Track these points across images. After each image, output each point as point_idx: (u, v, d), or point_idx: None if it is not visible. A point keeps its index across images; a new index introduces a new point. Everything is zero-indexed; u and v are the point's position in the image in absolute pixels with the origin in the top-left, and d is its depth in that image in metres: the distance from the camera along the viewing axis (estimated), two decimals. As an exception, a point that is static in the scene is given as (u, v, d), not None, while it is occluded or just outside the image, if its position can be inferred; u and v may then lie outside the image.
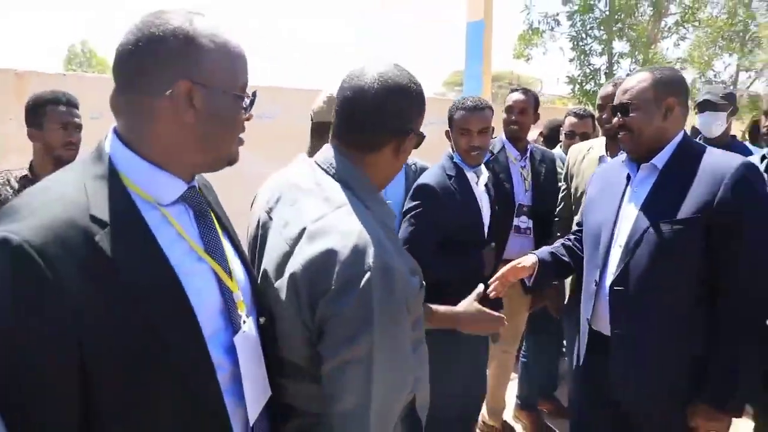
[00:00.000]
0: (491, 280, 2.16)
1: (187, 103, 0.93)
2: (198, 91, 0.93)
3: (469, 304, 1.78)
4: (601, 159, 2.77)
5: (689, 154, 1.77)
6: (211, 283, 0.99)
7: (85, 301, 0.80)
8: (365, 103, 1.17)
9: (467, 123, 2.37)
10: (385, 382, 1.07)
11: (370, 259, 1.03)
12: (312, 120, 2.02)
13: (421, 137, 1.26)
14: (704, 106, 3.36)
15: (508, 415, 3.50)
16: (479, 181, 2.47)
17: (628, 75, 2.79)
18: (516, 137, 3.13)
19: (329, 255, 1.03)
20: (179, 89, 0.92)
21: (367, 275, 1.02)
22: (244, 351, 1.02)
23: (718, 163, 1.69)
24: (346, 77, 1.22)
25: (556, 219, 3.04)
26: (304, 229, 1.08)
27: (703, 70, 13.34)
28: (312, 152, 1.82)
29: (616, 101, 1.88)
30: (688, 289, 1.69)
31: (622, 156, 1.97)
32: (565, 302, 2.86)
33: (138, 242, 0.88)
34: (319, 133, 1.87)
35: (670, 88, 1.80)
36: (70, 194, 0.86)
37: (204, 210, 1.04)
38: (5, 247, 0.75)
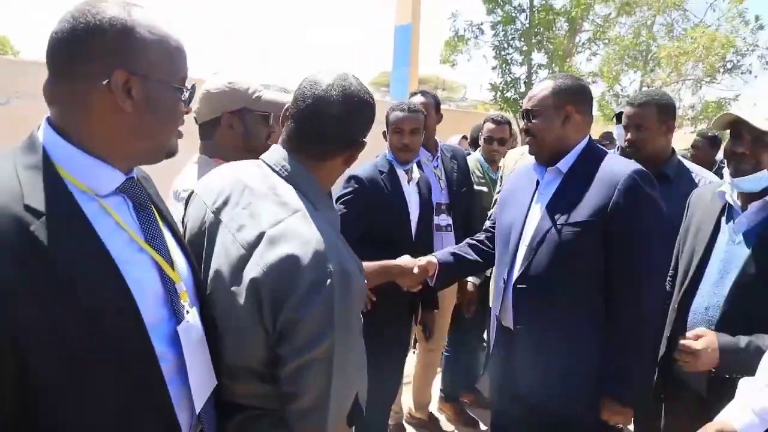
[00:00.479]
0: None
1: (125, 93, 0.91)
2: (136, 81, 0.91)
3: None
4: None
5: (592, 159, 1.84)
6: (152, 274, 0.97)
7: (20, 291, 0.77)
8: (329, 116, 1.18)
9: (401, 123, 2.55)
10: (341, 377, 1.10)
11: (330, 264, 1.06)
12: (197, 122, 1.91)
13: (365, 144, 1.29)
14: (619, 118, 3.62)
15: (433, 407, 3.61)
16: (410, 180, 2.58)
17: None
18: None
19: (291, 260, 1.05)
20: (116, 79, 0.90)
21: (329, 280, 1.05)
22: (188, 341, 1.00)
23: (613, 169, 1.76)
24: (306, 85, 1.22)
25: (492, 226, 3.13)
26: (263, 233, 1.09)
27: (611, 85, 14.34)
28: (205, 151, 1.78)
29: (523, 107, 1.96)
30: (587, 289, 1.74)
31: (530, 163, 2.04)
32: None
33: (76, 232, 0.85)
34: (204, 133, 1.82)
35: (568, 96, 1.86)
36: (3, 183, 0.83)
37: (144, 201, 1.02)
38: None
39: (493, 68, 12.01)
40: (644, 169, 1.77)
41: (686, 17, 15.14)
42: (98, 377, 0.85)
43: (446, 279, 2.30)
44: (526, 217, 1.92)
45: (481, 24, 12.15)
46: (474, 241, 2.34)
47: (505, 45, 11.83)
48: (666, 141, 2.36)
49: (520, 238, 1.91)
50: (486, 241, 2.30)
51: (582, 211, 1.73)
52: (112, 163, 0.94)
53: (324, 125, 1.19)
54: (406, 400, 3.52)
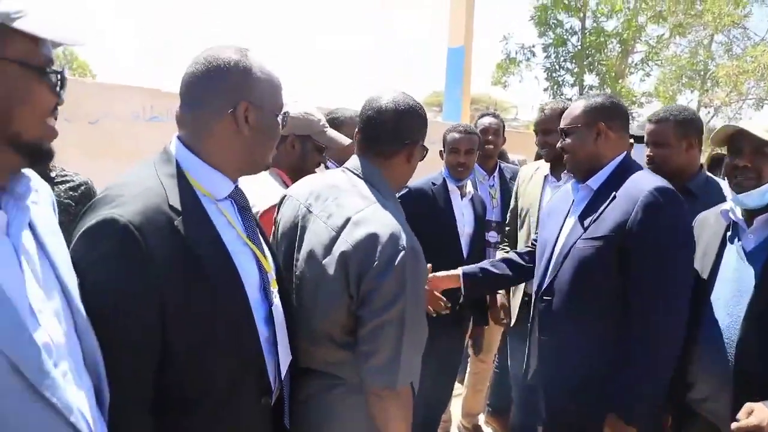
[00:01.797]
0: None
1: (244, 120, 1.13)
2: (252, 110, 1.13)
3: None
4: (545, 179, 2.91)
5: (623, 176, 1.82)
6: (252, 264, 1.18)
7: (167, 267, 0.99)
8: (383, 120, 1.44)
9: (458, 144, 2.74)
10: (410, 341, 1.30)
11: (403, 241, 1.29)
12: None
13: (426, 150, 1.53)
14: (636, 139, 3.55)
15: (481, 420, 3.66)
16: (463, 195, 2.78)
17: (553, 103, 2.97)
18: (487, 156, 3.38)
19: (373, 238, 1.27)
20: (240, 109, 1.12)
21: (402, 253, 1.27)
22: (278, 320, 1.22)
23: (636, 185, 1.73)
24: (366, 103, 1.49)
25: (504, 239, 3.16)
26: (349, 218, 1.32)
27: (668, 105, 13.90)
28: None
29: (559, 126, 1.98)
30: (607, 303, 1.72)
31: (572, 181, 2.06)
32: (513, 320, 2.95)
33: (202, 227, 1.08)
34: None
35: (600, 114, 1.86)
36: (154, 188, 1.05)
37: (246, 205, 1.24)
38: (115, 225, 0.95)
39: (545, 89, 11.99)
40: (668, 186, 1.72)
41: (746, 35, 14.57)
42: (214, 342, 1.06)
43: (474, 290, 2.34)
44: (559, 232, 1.94)
45: (533, 46, 12.18)
46: (510, 256, 2.38)
47: (557, 67, 11.80)
48: (689, 157, 2.29)
49: (552, 252, 1.93)
50: (525, 255, 2.32)
51: (603, 227, 1.73)
52: (226, 174, 1.16)
53: (380, 128, 1.45)
54: (456, 411, 3.59)
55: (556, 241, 1.94)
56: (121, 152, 3.70)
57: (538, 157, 4.67)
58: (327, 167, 2.34)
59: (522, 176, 3.07)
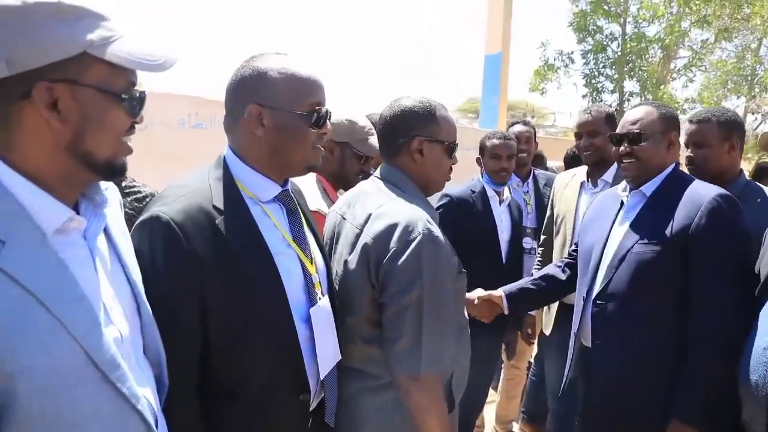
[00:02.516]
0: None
1: (258, 121, 1.17)
2: (266, 112, 1.17)
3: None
4: (582, 185, 2.89)
5: (676, 183, 1.84)
6: (296, 265, 1.23)
7: (207, 263, 1.05)
8: (383, 125, 1.55)
9: (499, 149, 2.83)
10: (432, 326, 1.33)
11: (419, 228, 1.34)
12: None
13: (447, 144, 1.54)
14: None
15: (515, 427, 3.63)
16: (501, 201, 2.83)
17: (594, 107, 2.86)
18: (520, 164, 3.38)
19: (390, 227, 1.33)
20: (250, 111, 1.16)
21: (418, 238, 1.32)
22: (318, 320, 1.24)
23: (698, 192, 1.75)
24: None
25: (540, 246, 3.12)
26: (370, 214, 1.39)
27: (712, 111, 13.39)
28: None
29: (623, 130, 1.93)
30: (665, 308, 1.72)
31: (617, 188, 2.05)
32: (548, 331, 2.91)
33: (244, 227, 1.14)
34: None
35: (672, 123, 1.91)
36: (201, 189, 1.12)
37: (294, 208, 1.28)
38: (159, 221, 1.03)
39: (583, 96, 11.78)
40: (728, 193, 1.74)
41: (797, 39, 13.92)
42: (251, 338, 1.11)
43: (519, 307, 2.32)
44: (607, 238, 1.93)
45: (572, 53, 11.98)
46: (549, 271, 2.33)
47: (596, 73, 11.57)
48: (731, 159, 2.23)
49: (600, 258, 1.91)
50: (566, 268, 2.29)
51: (664, 231, 1.73)
52: (269, 177, 1.21)
53: (383, 133, 1.56)
54: (489, 417, 3.58)
55: (604, 247, 1.92)
56: (166, 157, 3.89)
57: (570, 162, 4.61)
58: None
59: (558, 184, 3.06)
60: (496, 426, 3.59)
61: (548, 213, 3.08)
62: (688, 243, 1.68)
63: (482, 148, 2.90)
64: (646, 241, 1.76)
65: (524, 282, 2.33)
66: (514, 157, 2.88)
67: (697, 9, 10.95)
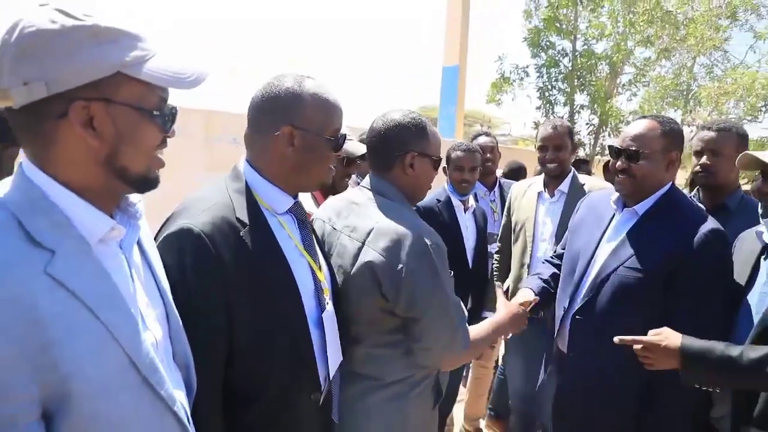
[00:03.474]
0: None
1: (290, 141, 1.21)
2: (298, 133, 1.21)
3: (508, 307, 1.88)
4: (539, 195, 2.98)
5: (672, 205, 1.76)
6: (307, 273, 1.29)
7: (233, 273, 1.09)
8: (376, 138, 1.60)
9: (462, 161, 2.92)
10: (457, 317, 1.51)
11: (427, 240, 1.45)
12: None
13: (434, 159, 1.63)
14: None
15: (483, 424, 3.74)
16: (466, 209, 2.91)
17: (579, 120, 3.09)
18: (486, 173, 3.52)
19: (399, 243, 1.41)
20: (285, 131, 1.21)
21: (429, 250, 1.43)
22: (328, 325, 1.31)
23: (689, 222, 1.68)
24: (370, 126, 1.66)
25: (497, 253, 3.27)
26: (372, 229, 1.45)
27: (651, 123, 14.09)
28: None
29: (623, 144, 1.80)
30: (642, 326, 1.67)
31: (612, 192, 1.96)
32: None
33: (265, 238, 1.19)
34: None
35: (676, 141, 1.78)
36: (224, 202, 1.16)
37: (304, 219, 1.34)
38: (190, 233, 1.07)
39: (537, 108, 12.16)
40: (720, 227, 1.69)
41: (727, 58, 14.86)
42: (272, 343, 1.16)
43: (542, 308, 2.20)
44: (594, 251, 1.87)
45: (527, 67, 12.36)
46: (553, 271, 2.25)
47: (549, 86, 11.97)
48: (736, 171, 2.18)
49: (585, 271, 1.86)
50: (558, 269, 2.23)
51: (650, 258, 1.67)
52: (285, 190, 1.26)
53: (375, 145, 1.61)
54: (458, 415, 3.68)
55: (591, 260, 1.86)
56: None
57: (510, 175, 4.77)
58: (357, 181, 2.47)
59: (514, 192, 3.17)
60: (464, 424, 3.69)
61: (504, 221, 3.19)
62: (675, 273, 1.64)
63: (447, 159, 3.00)
64: (631, 265, 1.70)
65: (543, 282, 2.21)
66: (477, 168, 2.99)
67: (641, 30, 11.54)
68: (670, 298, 1.65)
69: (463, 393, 3.67)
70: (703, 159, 2.19)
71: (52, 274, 0.74)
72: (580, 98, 12.16)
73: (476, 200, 3.34)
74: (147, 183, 0.90)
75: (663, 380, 1.65)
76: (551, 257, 2.39)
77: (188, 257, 1.06)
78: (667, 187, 1.80)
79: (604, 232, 1.89)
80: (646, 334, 1.64)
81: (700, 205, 2.19)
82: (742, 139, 2.19)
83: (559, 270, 2.20)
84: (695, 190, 2.38)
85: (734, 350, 1.44)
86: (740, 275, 1.73)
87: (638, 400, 1.72)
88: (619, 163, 1.81)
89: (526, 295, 2.07)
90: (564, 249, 2.18)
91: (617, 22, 11.75)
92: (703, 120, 14.57)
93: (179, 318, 1.01)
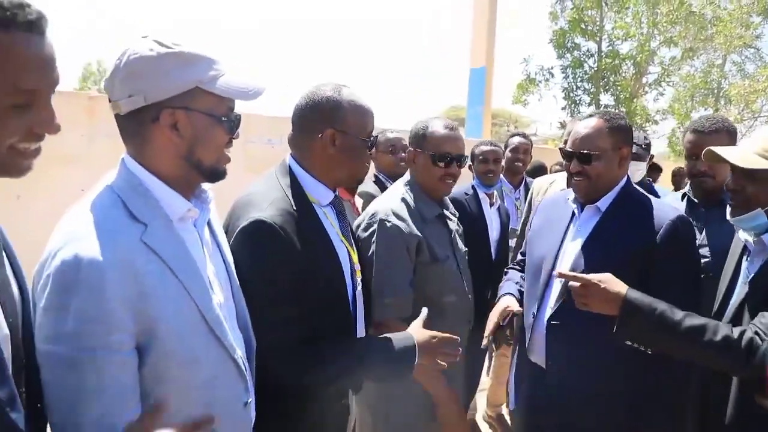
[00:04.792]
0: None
1: (332, 142, 1.39)
2: (338, 135, 1.39)
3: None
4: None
5: (631, 199, 1.74)
6: (346, 257, 1.46)
7: (299, 254, 1.26)
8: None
9: (488, 154, 3.13)
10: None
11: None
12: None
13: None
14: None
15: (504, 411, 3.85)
16: (492, 204, 3.06)
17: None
18: (515, 172, 3.64)
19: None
20: (327, 134, 1.38)
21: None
22: (359, 303, 1.49)
23: (656, 212, 1.66)
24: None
25: (516, 247, 3.25)
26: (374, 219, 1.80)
27: (682, 121, 13.90)
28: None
29: (573, 148, 1.75)
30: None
31: (567, 193, 1.88)
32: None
33: (317, 226, 1.37)
34: None
35: (624, 137, 1.73)
36: (281, 196, 1.33)
37: (343, 211, 1.52)
38: (266, 224, 1.23)
39: (563, 108, 12.15)
40: (685, 215, 1.69)
41: (759, 56, 14.48)
42: (326, 309, 1.33)
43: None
44: (558, 251, 1.77)
45: (552, 68, 12.37)
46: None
47: (574, 87, 11.97)
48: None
49: (551, 272, 1.74)
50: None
51: (621, 251, 1.63)
52: (326, 185, 1.43)
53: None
54: (481, 402, 3.79)
55: (555, 261, 1.76)
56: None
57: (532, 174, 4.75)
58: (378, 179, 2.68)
59: (536, 188, 3.15)
60: (487, 410, 3.80)
61: (525, 217, 3.15)
62: (645, 264, 1.60)
63: (472, 156, 3.18)
64: (601, 259, 1.62)
65: (516, 288, 2.02)
66: (501, 161, 3.16)
67: (665, 30, 11.41)
68: (645, 290, 1.52)
69: (485, 382, 3.78)
70: (701, 165, 2.02)
71: (146, 241, 0.93)
72: (605, 98, 12.11)
73: (502, 198, 3.47)
74: (216, 174, 1.07)
75: (659, 392, 1.59)
76: (512, 265, 2.21)
77: (266, 243, 1.22)
78: (623, 182, 1.77)
79: (566, 231, 1.81)
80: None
81: (694, 200, 2.11)
82: (732, 136, 2.06)
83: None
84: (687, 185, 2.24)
85: (677, 314, 1.42)
86: (725, 276, 1.66)
87: (629, 410, 1.61)
88: (572, 165, 1.75)
89: (509, 302, 1.87)
90: (524, 256, 2.06)
91: (641, 23, 11.64)
92: (734, 118, 14.24)
93: (240, 287, 1.19)
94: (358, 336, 1.49)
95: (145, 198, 0.99)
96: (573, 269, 1.66)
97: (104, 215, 0.94)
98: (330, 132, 1.37)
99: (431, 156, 1.86)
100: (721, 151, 1.49)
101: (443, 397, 1.66)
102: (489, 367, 3.89)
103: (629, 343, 1.47)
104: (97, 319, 0.86)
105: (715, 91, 14.20)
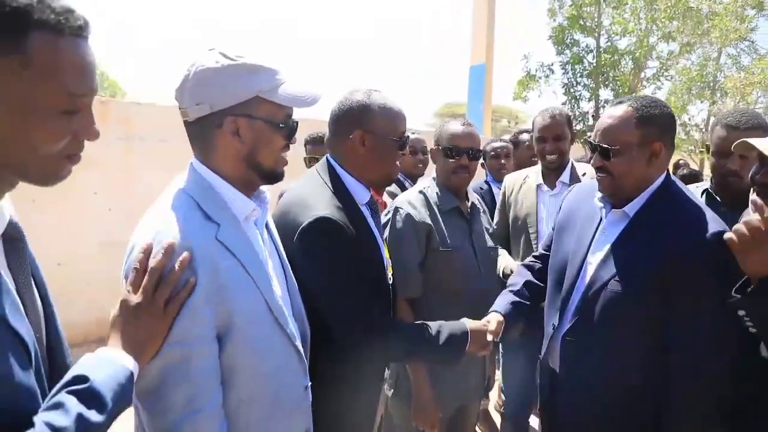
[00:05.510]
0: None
1: (361, 143, 1.46)
2: (368, 136, 1.46)
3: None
4: (538, 188, 2.68)
5: (664, 202, 1.48)
6: (383, 251, 1.56)
7: (359, 247, 1.38)
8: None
9: (498, 151, 3.45)
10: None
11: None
12: None
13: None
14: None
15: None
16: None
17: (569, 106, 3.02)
18: (528, 166, 3.77)
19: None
20: (356, 135, 1.46)
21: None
22: (392, 295, 1.59)
23: (687, 223, 1.42)
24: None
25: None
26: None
27: (678, 114, 13.96)
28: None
29: (595, 139, 1.53)
30: (642, 348, 1.46)
31: (595, 186, 1.64)
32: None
33: (362, 222, 1.46)
34: None
35: (657, 130, 1.45)
36: (331, 195, 1.42)
37: (377, 210, 1.60)
38: (328, 220, 1.32)
39: (563, 103, 12.18)
40: (720, 230, 1.38)
41: (754, 48, 14.53)
42: (376, 290, 1.45)
43: (513, 327, 1.85)
44: (584, 258, 1.58)
45: (552, 64, 12.40)
46: (529, 277, 1.94)
47: (574, 82, 12.02)
48: None
49: (575, 281, 1.59)
50: (537, 273, 1.94)
51: (645, 267, 1.41)
52: (363, 184, 1.51)
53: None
54: (493, 394, 3.87)
55: (580, 270, 1.59)
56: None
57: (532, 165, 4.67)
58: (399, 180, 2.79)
59: (508, 185, 2.85)
60: (498, 400, 3.87)
61: (497, 218, 2.86)
62: (671, 283, 1.39)
63: (484, 153, 3.37)
64: (624, 277, 1.44)
65: (517, 297, 1.88)
66: (511, 156, 3.37)
67: (663, 26, 11.46)
68: (670, 311, 1.40)
69: (497, 374, 3.86)
70: (731, 163, 1.79)
71: (220, 239, 1.01)
72: (605, 93, 12.17)
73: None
74: (275, 176, 1.15)
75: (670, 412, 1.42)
76: (530, 260, 2.04)
77: (335, 236, 1.31)
78: (658, 183, 1.50)
79: (593, 236, 1.59)
80: (644, 351, 1.45)
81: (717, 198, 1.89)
82: (766, 132, 1.77)
83: (536, 276, 1.93)
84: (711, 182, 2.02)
85: None
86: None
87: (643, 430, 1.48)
88: (593, 159, 1.53)
89: (494, 318, 1.75)
90: (546, 250, 1.92)
91: (639, 18, 11.70)
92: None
93: (296, 282, 1.26)
94: None
95: (215, 200, 1.07)
96: (591, 284, 1.52)
97: (185, 216, 1.01)
98: (359, 133, 1.45)
99: (444, 150, 1.99)
100: (757, 142, 1.28)
101: (422, 389, 1.85)
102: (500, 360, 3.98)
103: (742, 313, 1.24)
104: (183, 314, 0.95)
105: (711, 84, 14.26)
